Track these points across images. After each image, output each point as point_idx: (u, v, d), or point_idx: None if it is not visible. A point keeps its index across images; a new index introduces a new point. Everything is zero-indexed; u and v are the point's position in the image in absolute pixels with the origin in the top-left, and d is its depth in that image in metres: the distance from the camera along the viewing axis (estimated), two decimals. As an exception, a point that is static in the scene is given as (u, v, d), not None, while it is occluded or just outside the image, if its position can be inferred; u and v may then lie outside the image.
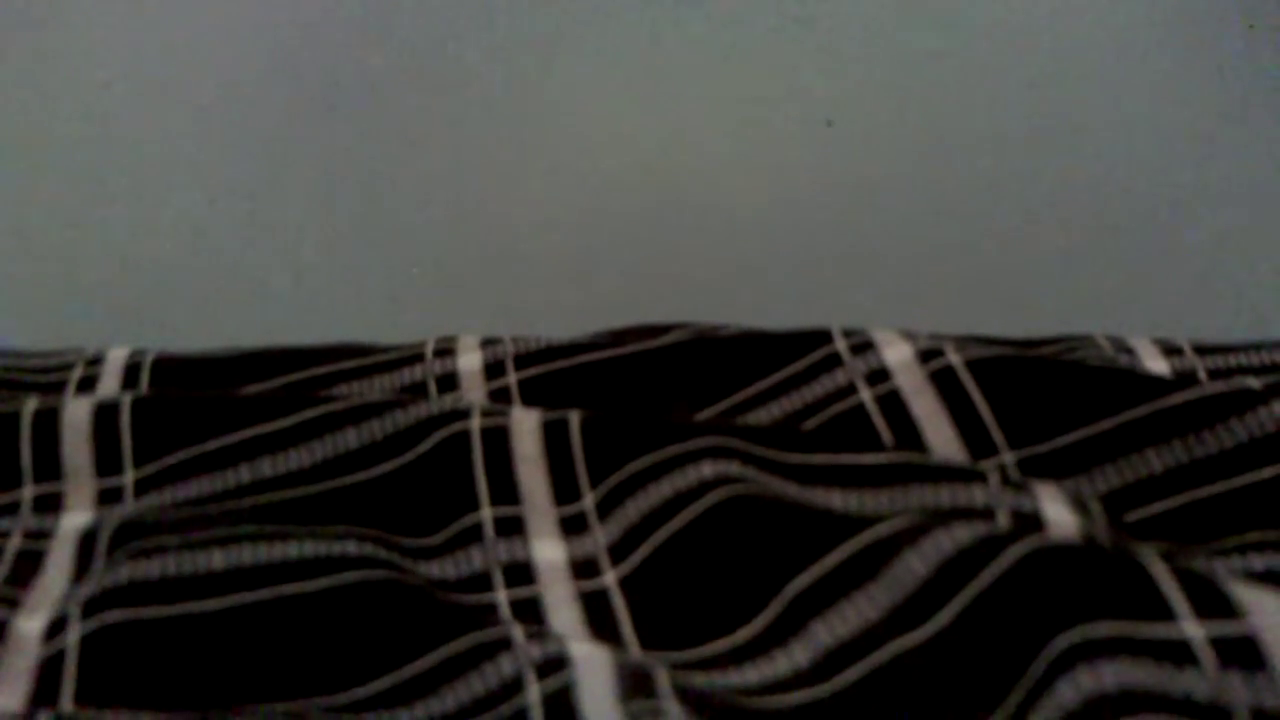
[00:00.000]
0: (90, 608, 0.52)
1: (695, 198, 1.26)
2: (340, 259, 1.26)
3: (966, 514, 0.57)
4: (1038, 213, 1.26)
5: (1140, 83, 1.25)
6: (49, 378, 0.76)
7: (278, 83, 1.22)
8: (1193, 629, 0.44)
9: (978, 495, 0.58)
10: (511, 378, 0.72)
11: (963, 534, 0.51)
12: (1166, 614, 0.44)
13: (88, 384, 0.75)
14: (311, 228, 1.25)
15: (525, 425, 0.64)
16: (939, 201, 1.26)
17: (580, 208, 1.25)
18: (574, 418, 0.64)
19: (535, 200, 1.25)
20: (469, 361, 0.74)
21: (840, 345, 0.70)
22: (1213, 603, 0.45)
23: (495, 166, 1.25)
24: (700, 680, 0.51)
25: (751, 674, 0.51)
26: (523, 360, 0.73)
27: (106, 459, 0.65)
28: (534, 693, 0.46)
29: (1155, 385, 0.64)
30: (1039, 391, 0.65)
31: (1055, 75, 1.25)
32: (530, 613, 0.56)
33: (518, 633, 0.49)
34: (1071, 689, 0.43)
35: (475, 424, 0.64)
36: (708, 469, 0.59)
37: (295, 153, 1.24)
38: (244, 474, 0.64)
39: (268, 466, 0.64)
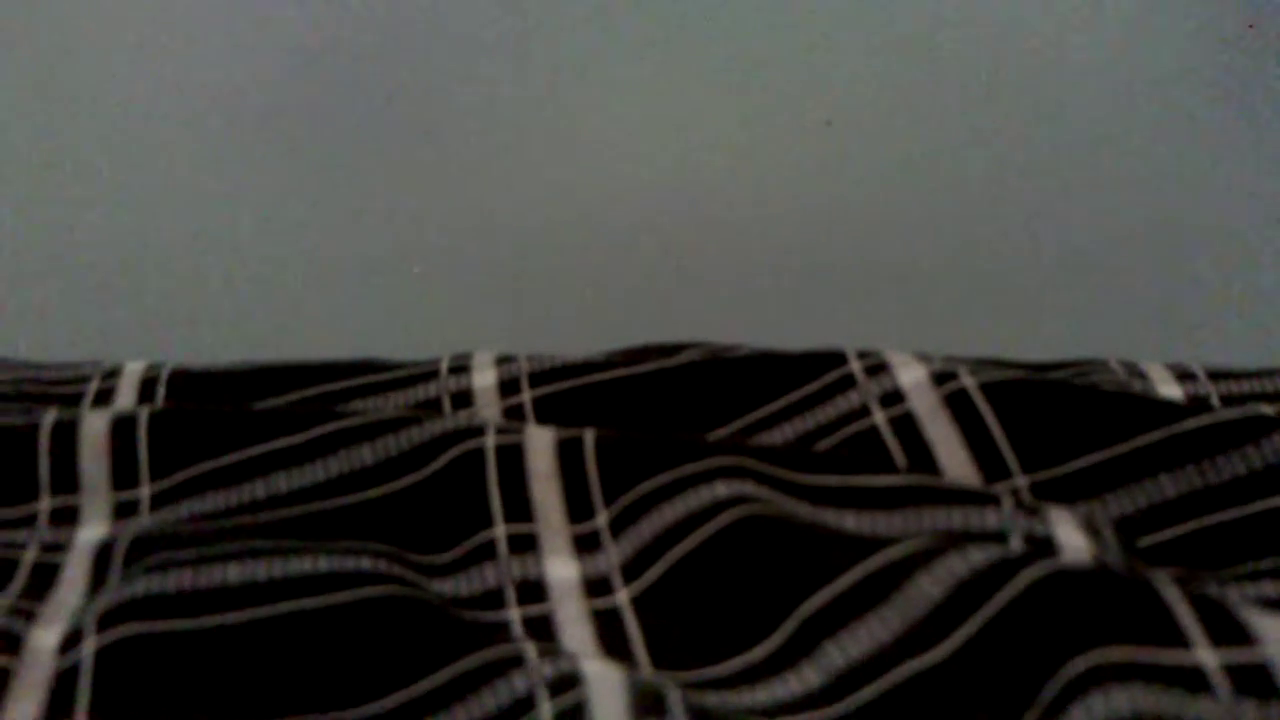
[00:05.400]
0: (105, 621, 0.53)
1: (697, 195, 1.26)
2: (356, 274, 1.26)
3: (979, 537, 0.57)
4: (1040, 212, 1.26)
5: (1141, 83, 1.25)
6: (66, 390, 0.76)
7: (288, 94, 1.23)
8: (1207, 656, 0.44)
9: (991, 519, 0.58)
10: (526, 395, 0.73)
11: (976, 557, 0.51)
12: (1180, 640, 0.44)
13: (104, 397, 0.75)
14: (326, 242, 1.26)
15: (539, 443, 0.64)
16: (939, 201, 1.26)
17: (588, 211, 1.25)
18: (588, 436, 0.64)
19: (545, 211, 1.25)
20: (484, 379, 0.74)
21: (854, 367, 0.70)
22: (1227, 629, 0.44)
23: (507, 179, 1.25)
24: (712, 700, 0.51)
25: (763, 694, 0.51)
26: (537, 378, 0.73)
27: (123, 472, 0.66)
28: (546, 710, 0.46)
29: (1168, 411, 0.64)
30: (1052, 415, 0.65)
31: (1055, 75, 1.25)
32: (542, 630, 0.56)
33: (530, 650, 0.49)
34: (1084, 714, 0.43)
35: (490, 441, 0.64)
36: (721, 489, 0.59)
37: (308, 167, 1.24)
38: (259, 489, 0.64)
39: (283, 481, 0.64)
